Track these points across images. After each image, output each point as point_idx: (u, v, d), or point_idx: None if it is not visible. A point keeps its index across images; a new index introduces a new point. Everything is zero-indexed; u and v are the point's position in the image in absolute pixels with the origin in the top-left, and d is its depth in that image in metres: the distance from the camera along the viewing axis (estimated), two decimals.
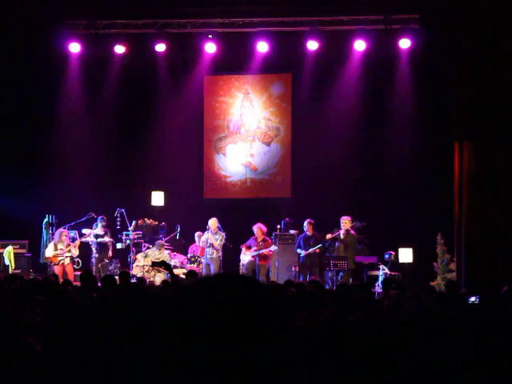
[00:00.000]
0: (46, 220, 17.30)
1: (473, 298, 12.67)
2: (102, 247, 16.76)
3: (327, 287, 13.82)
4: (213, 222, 16.39)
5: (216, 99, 19.22)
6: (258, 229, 16.34)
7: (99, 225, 16.78)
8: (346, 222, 16.07)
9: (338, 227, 16.20)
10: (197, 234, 16.91)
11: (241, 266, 16.52)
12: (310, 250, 15.98)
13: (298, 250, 16.20)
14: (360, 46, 17.41)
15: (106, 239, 16.75)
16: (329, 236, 16.07)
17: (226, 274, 1.75)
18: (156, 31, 17.82)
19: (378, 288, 14.40)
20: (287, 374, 1.65)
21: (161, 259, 15.14)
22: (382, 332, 4.71)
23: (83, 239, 16.63)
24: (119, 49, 18.12)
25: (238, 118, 19.11)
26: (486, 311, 7.33)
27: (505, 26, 14.42)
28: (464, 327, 5.34)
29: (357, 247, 16.44)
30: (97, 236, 16.72)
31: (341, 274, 15.43)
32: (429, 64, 16.81)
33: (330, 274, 15.76)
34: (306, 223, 16.22)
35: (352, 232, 16.18)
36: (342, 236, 15.99)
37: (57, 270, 15.70)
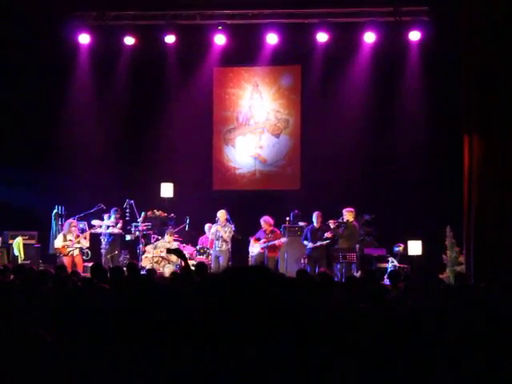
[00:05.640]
0: (55, 211, 17.32)
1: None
2: (112, 238, 16.82)
3: (336, 279, 13.80)
4: (222, 214, 16.41)
5: (225, 91, 19.21)
6: (264, 222, 16.34)
7: (112, 216, 16.82)
8: (348, 214, 16.02)
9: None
10: (207, 225, 16.91)
11: (250, 258, 16.54)
12: (318, 243, 15.94)
13: (305, 242, 16.14)
14: (369, 38, 17.37)
15: (116, 230, 16.81)
16: (328, 235, 15.98)
17: (238, 269, 1.74)
18: (166, 22, 17.83)
19: (387, 280, 14.38)
20: (301, 365, 1.66)
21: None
22: (389, 324, 4.72)
23: (93, 230, 16.66)
24: (129, 40, 18.15)
25: (247, 109, 19.10)
26: (493, 300, 7.32)
27: None
28: (472, 320, 5.34)
29: (357, 238, 16.32)
30: (108, 227, 16.75)
31: (344, 266, 15.38)
32: (438, 56, 16.74)
33: (338, 267, 15.73)
34: (315, 215, 16.18)
35: (354, 223, 16.10)
36: (332, 226, 15.92)
37: (66, 261, 15.72)
